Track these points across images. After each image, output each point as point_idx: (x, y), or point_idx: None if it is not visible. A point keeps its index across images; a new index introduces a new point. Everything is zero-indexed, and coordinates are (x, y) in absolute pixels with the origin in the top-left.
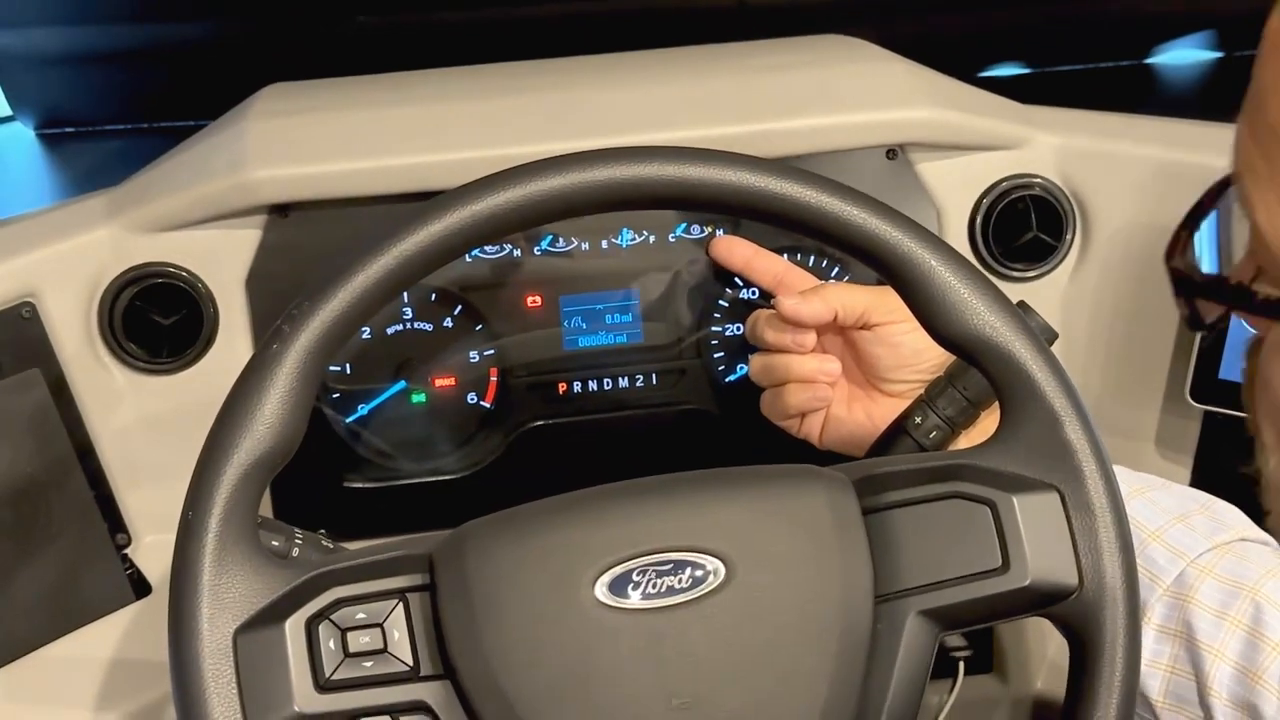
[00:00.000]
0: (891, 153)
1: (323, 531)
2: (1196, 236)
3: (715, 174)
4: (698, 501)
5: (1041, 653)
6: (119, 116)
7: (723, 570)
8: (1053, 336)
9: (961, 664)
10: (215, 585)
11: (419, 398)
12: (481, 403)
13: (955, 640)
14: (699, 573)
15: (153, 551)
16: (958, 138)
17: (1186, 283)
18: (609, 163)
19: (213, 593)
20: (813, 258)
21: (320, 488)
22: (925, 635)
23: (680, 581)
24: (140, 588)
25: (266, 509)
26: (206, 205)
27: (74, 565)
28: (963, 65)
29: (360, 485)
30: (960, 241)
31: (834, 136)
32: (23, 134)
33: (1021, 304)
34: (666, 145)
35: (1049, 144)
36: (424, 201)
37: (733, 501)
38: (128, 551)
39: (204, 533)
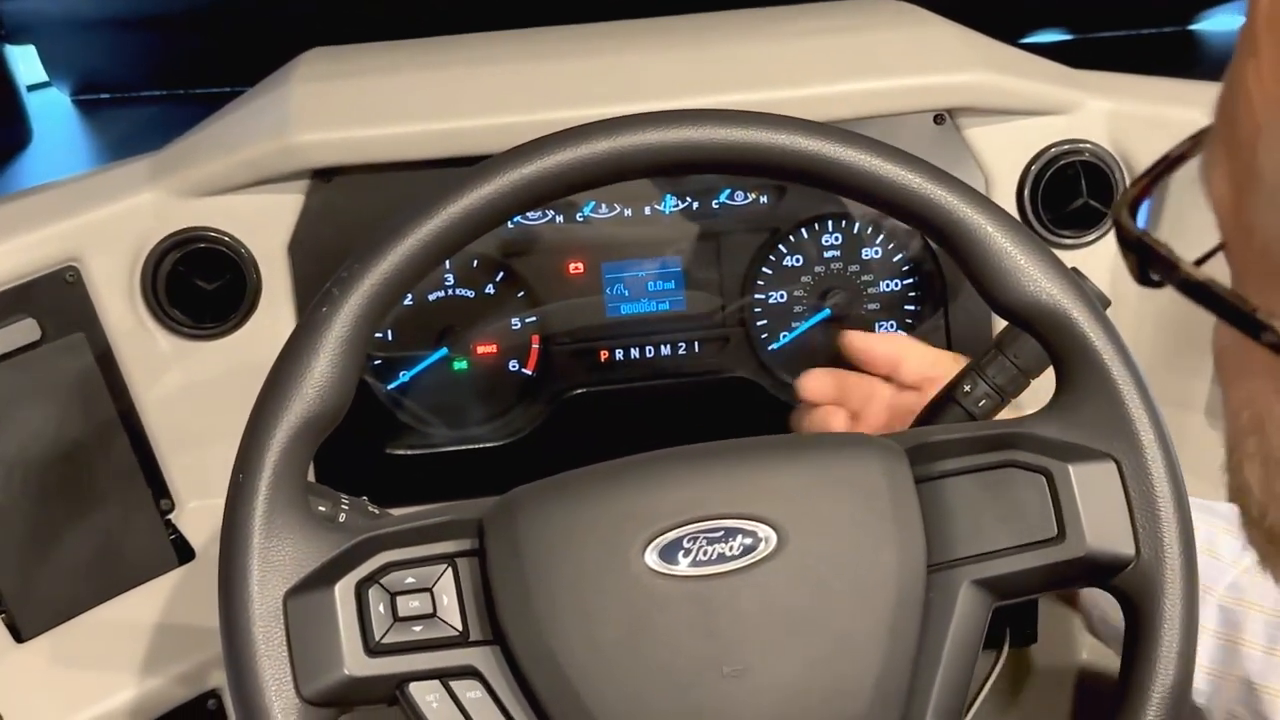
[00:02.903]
0: (939, 118)
1: (365, 498)
2: (1157, 189)
3: (767, 137)
4: (750, 468)
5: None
6: (155, 82)
7: (774, 538)
8: (1106, 304)
9: (1007, 635)
10: (265, 548)
11: (461, 365)
12: (523, 370)
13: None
14: (750, 540)
15: (196, 517)
16: (1007, 102)
17: (1126, 239)
18: (659, 126)
19: (263, 555)
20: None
21: (362, 454)
22: (979, 605)
23: (731, 549)
24: (184, 553)
25: (308, 475)
26: (250, 169)
27: (118, 530)
28: (1004, 31)
29: (401, 452)
30: (1009, 208)
31: (882, 101)
32: (58, 100)
33: (1074, 271)
34: (717, 108)
35: (1099, 109)
36: (469, 166)
37: (785, 469)
38: (171, 517)
39: (254, 495)
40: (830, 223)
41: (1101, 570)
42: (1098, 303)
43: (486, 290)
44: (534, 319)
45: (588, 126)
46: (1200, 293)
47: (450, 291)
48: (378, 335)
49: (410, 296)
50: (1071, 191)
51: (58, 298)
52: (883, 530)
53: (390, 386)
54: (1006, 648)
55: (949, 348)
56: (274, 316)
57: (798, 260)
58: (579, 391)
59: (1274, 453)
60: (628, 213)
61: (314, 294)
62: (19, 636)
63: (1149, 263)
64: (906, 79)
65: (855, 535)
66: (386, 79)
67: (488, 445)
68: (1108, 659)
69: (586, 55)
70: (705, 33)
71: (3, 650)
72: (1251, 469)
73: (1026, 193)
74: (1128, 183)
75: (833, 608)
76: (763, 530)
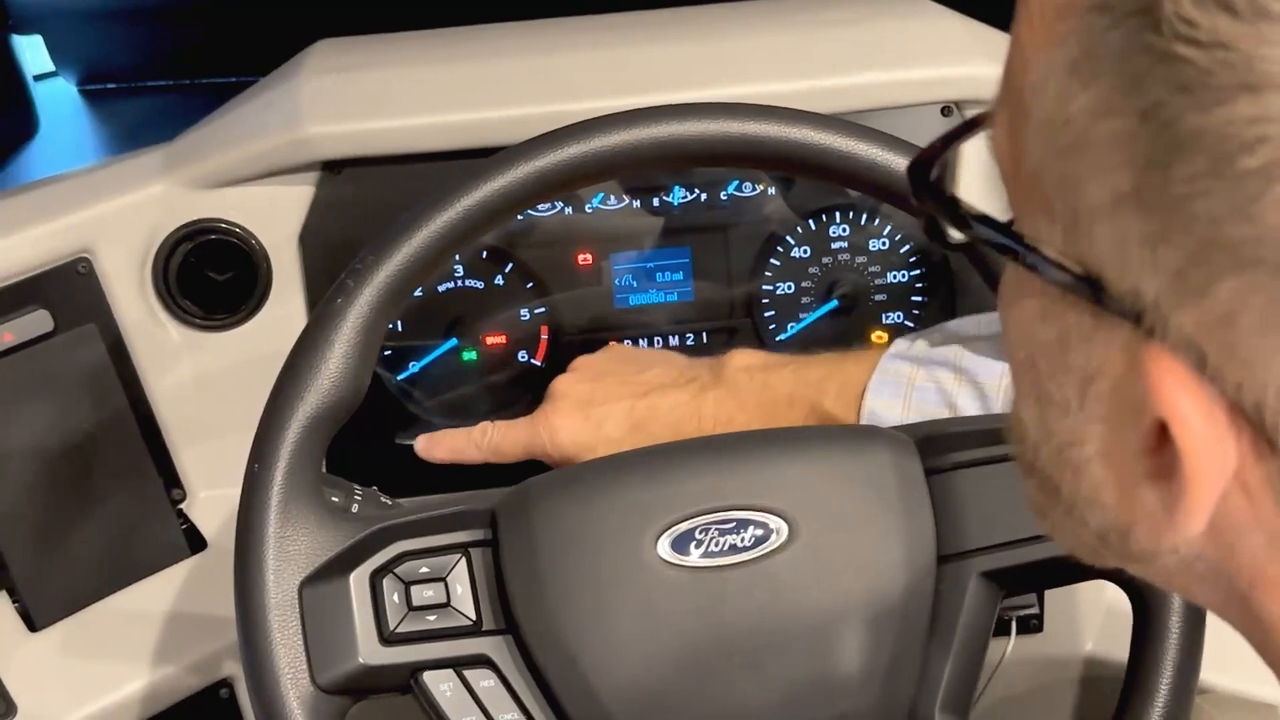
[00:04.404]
0: (947, 109)
1: (375, 488)
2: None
3: (777, 130)
4: (761, 460)
5: (1092, 614)
6: (162, 72)
7: (785, 530)
8: None
9: (1013, 624)
10: (281, 538)
11: (470, 355)
12: (532, 361)
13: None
14: (761, 532)
15: (208, 507)
16: None
17: (929, 190)
18: (673, 118)
19: (279, 545)
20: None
21: (371, 444)
22: (988, 597)
23: (743, 540)
24: (195, 543)
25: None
26: (260, 161)
27: (130, 520)
28: (1008, 20)
29: (411, 442)
30: None
31: (889, 93)
32: (65, 90)
33: None
34: (729, 101)
35: None
36: (479, 158)
37: (796, 461)
38: (183, 507)
39: (270, 485)
40: (838, 214)
41: None
42: None
43: (495, 281)
44: (543, 310)
45: (602, 119)
46: (975, 225)
47: (459, 282)
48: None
49: (420, 288)
50: None
51: (70, 289)
52: (893, 522)
53: (400, 377)
54: (1013, 637)
55: None
56: (284, 308)
57: (805, 252)
58: None
59: (1044, 386)
60: (636, 204)
61: (324, 285)
62: (33, 626)
63: (933, 208)
64: (913, 71)
65: (866, 527)
66: (396, 71)
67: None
68: (1114, 648)
69: (594, 47)
70: (714, 24)
71: (17, 640)
72: (1026, 407)
73: None
74: None
75: (843, 599)
76: (774, 522)
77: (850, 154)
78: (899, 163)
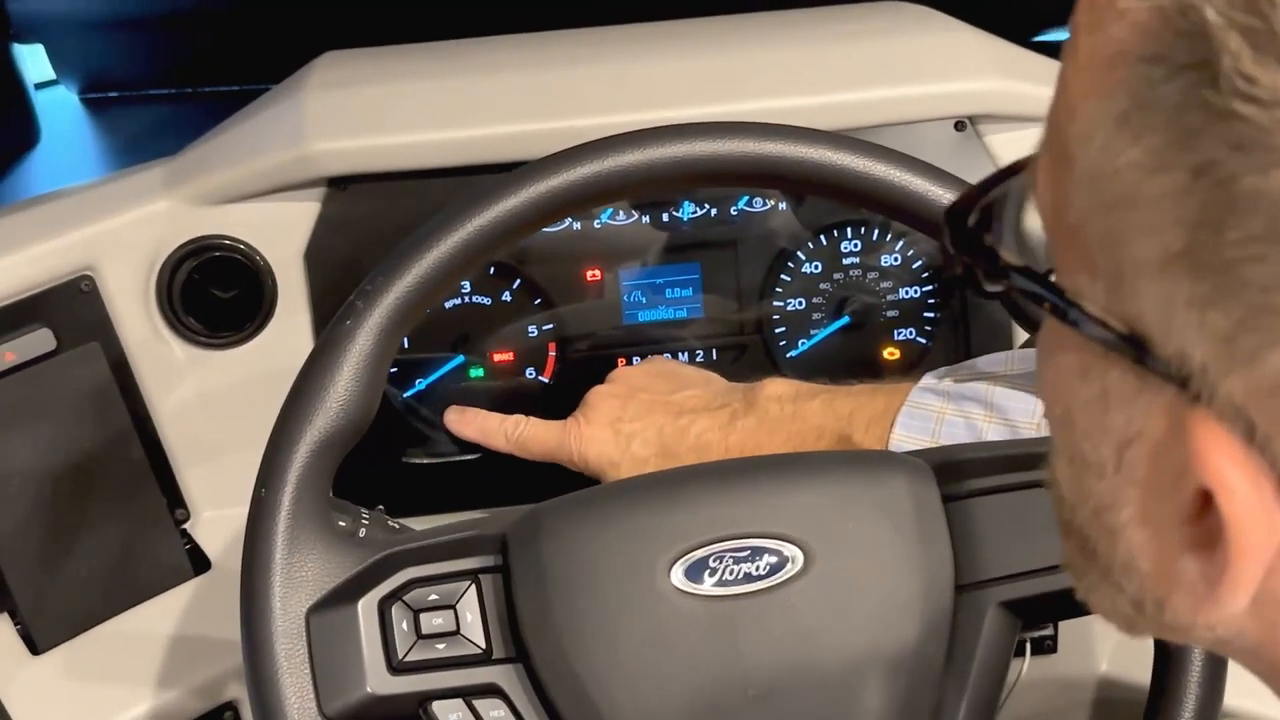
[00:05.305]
0: (960, 124)
1: (381, 508)
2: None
3: (793, 150)
4: (776, 487)
5: (1108, 635)
6: (164, 81)
7: (801, 558)
8: None
9: (1028, 646)
10: (288, 564)
11: (477, 372)
12: (540, 377)
13: None
14: (776, 560)
15: (212, 527)
16: (1028, 109)
17: (966, 240)
18: (689, 138)
19: (285, 571)
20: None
21: (378, 463)
22: (1006, 628)
23: (758, 568)
24: (200, 564)
25: None
26: (265, 178)
27: (133, 541)
28: (1017, 29)
29: (418, 461)
30: None
31: (901, 108)
32: (66, 99)
33: None
34: (744, 121)
35: None
36: (486, 174)
37: (811, 487)
38: (187, 527)
39: (277, 510)
40: (849, 229)
41: None
42: None
43: (503, 297)
44: (551, 326)
45: (616, 139)
46: (1014, 276)
47: (467, 299)
48: None
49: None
50: None
51: (73, 307)
52: (910, 551)
53: (407, 394)
54: (1027, 658)
55: (968, 356)
56: (289, 325)
57: (816, 267)
58: None
59: (1079, 445)
60: (645, 219)
61: (330, 303)
62: (35, 649)
63: (969, 259)
64: (926, 86)
65: (882, 555)
66: (402, 85)
67: (505, 454)
68: (1129, 669)
69: (603, 61)
70: (725, 38)
71: (19, 662)
72: (1061, 465)
73: None
74: None
75: (859, 629)
76: (789, 550)
77: (865, 174)
78: (916, 183)
